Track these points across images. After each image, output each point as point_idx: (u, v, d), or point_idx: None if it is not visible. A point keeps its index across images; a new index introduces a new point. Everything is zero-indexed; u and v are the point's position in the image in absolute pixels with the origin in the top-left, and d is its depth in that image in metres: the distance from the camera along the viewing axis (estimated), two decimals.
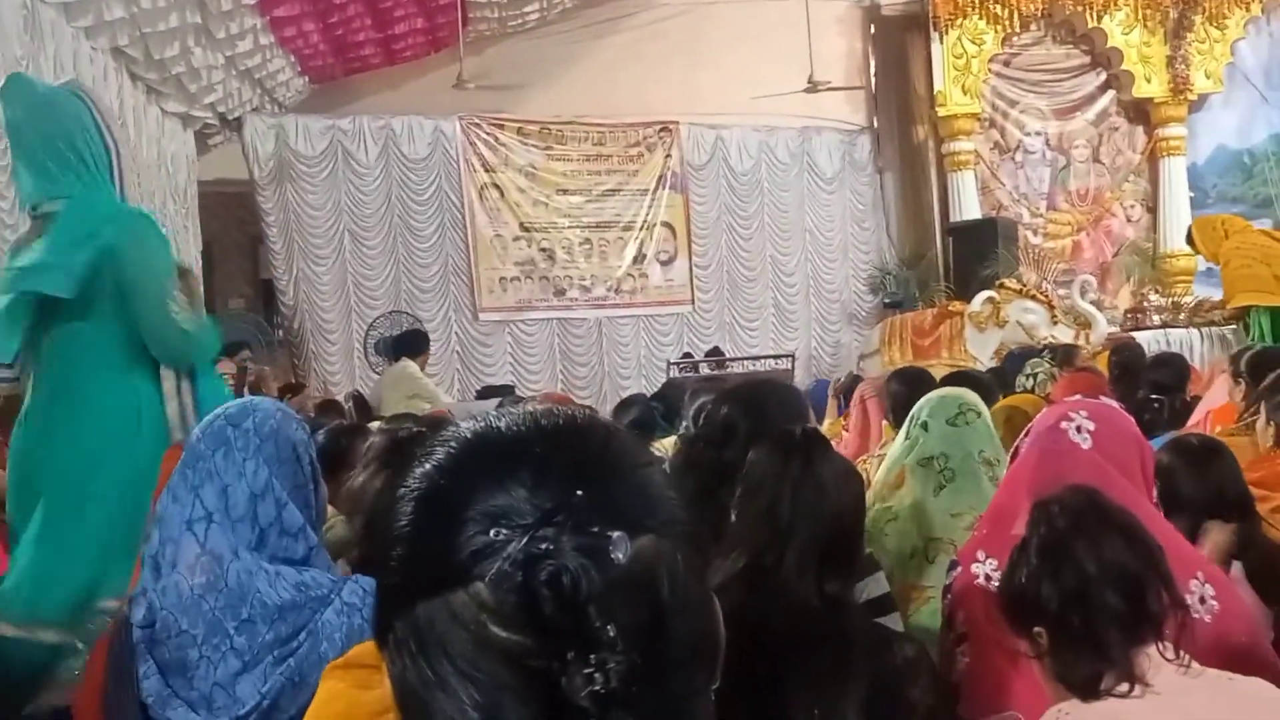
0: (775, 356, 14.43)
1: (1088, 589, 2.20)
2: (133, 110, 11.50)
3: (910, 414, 3.73)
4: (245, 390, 8.16)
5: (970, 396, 3.70)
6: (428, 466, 1.03)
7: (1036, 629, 2.25)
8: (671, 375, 12.81)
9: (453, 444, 1.04)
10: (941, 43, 16.52)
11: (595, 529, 0.94)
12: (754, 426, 3.04)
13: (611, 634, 0.91)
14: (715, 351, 14.90)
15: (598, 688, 0.90)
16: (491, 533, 0.95)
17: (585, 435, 1.04)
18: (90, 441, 3.93)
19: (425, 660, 0.95)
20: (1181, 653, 2.18)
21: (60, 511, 3.85)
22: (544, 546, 0.92)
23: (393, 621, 0.99)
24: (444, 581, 0.95)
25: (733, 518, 2.55)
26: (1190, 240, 13.16)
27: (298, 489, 2.38)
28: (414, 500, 1.02)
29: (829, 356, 16.87)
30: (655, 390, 10.40)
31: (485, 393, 12.65)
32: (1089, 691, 2.17)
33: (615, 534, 0.94)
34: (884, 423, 5.42)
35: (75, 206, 4.08)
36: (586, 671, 0.90)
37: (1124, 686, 2.13)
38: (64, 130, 4.14)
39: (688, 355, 15.03)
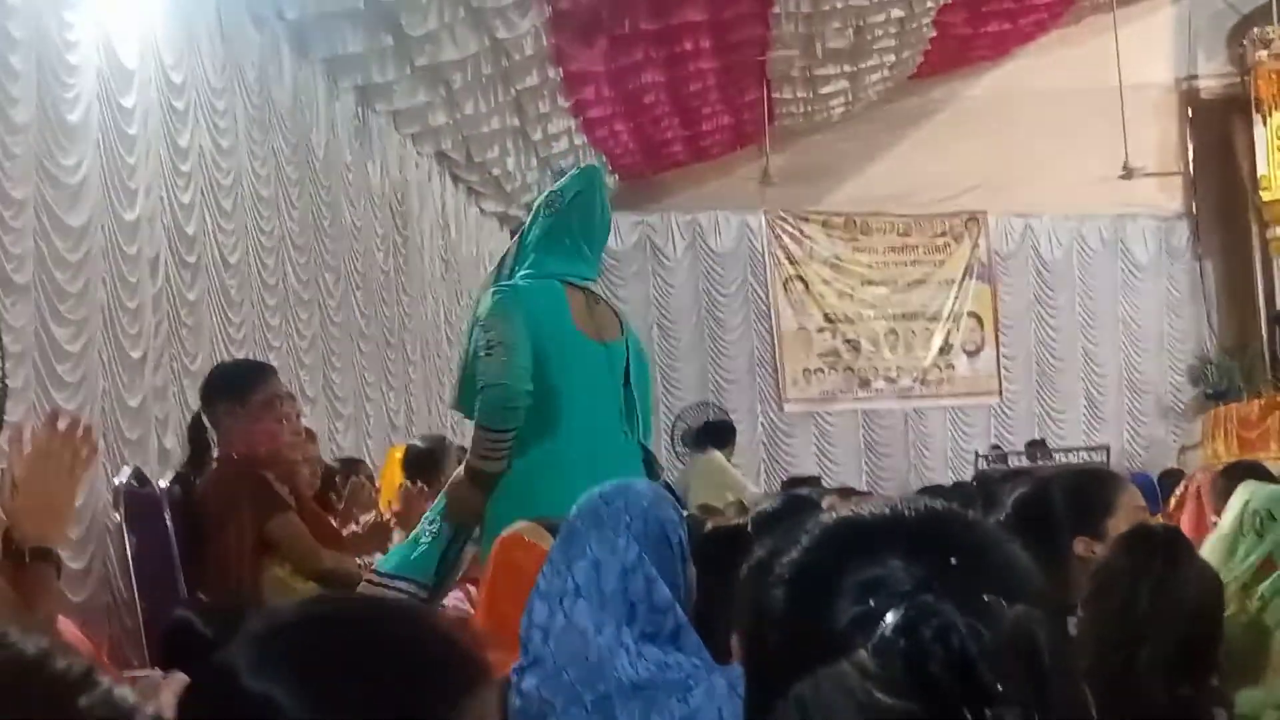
0: (1089, 449, 13.93)
1: None
2: (454, 211, 12.31)
3: (1236, 511, 3.52)
4: None
5: None
6: (794, 554, 1.05)
7: None
8: (980, 468, 12.55)
9: (818, 530, 1.06)
10: (1265, 124, 15.84)
11: (972, 594, 0.95)
12: (1074, 515, 2.96)
13: (1003, 692, 0.90)
14: (1039, 444, 14.44)
15: None
16: (870, 601, 0.96)
17: (948, 517, 1.06)
18: None
19: None
20: None
21: None
22: (926, 610, 0.93)
23: (773, 701, 1.00)
24: (825, 654, 0.95)
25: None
26: None
27: (665, 566, 2.45)
28: (785, 583, 1.04)
29: (1142, 450, 16.20)
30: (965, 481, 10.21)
31: (790, 484, 12.62)
32: None
33: (993, 599, 0.95)
34: (1213, 518, 5.19)
35: None
36: None
37: None
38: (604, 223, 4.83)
39: (996, 447, 14.70)
